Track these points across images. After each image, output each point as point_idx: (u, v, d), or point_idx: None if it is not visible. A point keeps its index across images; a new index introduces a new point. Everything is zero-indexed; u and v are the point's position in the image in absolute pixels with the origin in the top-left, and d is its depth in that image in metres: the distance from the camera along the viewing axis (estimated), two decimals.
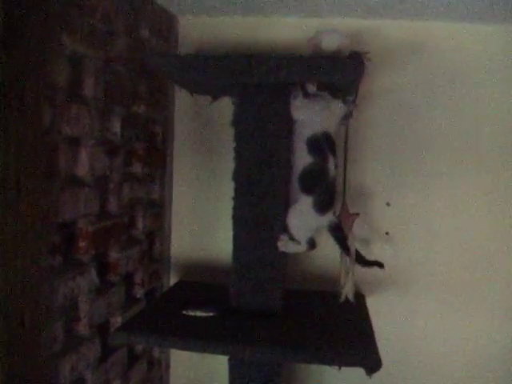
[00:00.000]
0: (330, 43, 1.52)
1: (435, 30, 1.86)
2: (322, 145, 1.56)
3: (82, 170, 1.39)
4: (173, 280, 2.06)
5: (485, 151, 1.89)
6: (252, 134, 1.54)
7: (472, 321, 1.94)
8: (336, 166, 1.60)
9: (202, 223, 2.04)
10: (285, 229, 1.58)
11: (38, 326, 1.16)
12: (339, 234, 1.63)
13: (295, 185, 1.59)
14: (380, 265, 1.68)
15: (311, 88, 1.52)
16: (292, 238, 1.59)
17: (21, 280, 1.09)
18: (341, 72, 1.41)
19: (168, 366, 2.11)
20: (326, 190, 1.58)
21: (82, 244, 1.40)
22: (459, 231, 1.93)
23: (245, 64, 1.43)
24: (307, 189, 1.57)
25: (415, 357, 1.98)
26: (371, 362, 1.35)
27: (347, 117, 1.66)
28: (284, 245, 1.57)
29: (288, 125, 1.56)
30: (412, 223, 1.94)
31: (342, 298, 1.69)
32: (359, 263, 1.66)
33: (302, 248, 1.60)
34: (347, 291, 1.68)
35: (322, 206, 1.58)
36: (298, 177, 1.58)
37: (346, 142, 1.72)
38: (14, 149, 1.06)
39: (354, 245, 1.65)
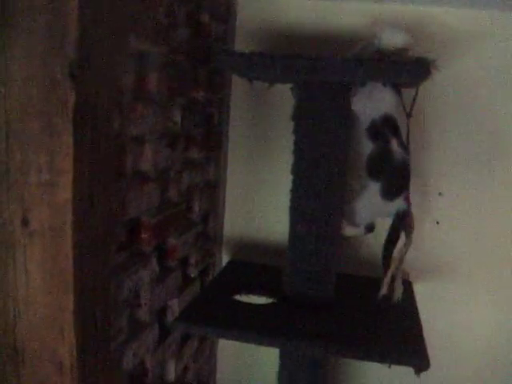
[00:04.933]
0: (392, 41, 1.51)
1: (500, 20, 1.81)
2: (381, 129, 1.56)
3: (146, 165, 1.42)
4: (225, 258, 2.12)
5: None
6: (312, 129, 1.56)
7: None
8: (404, 147, 1.58)
9: (254, 204, 2.08)
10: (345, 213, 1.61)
11: (108, 320, 1.23)
12: (405, 223, 1.61)
13: (363, 173, 1.59)
14: None
15: None
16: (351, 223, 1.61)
17: (92, 280, 1.15)
18: (406, 77, 1.40)
19: (217, 341, 2.19)
20: (392, 175, 1.57)
21: (144, 236, 1.44)
22: (507, 224, 1.93)
23: (310, 65, 1.43)
24: (373, 175, 1.58)
25: (458, 345, 2.02)
26: (421, 362, 1.38)
27: (407, 117, 1.65)
28: (347, 229, 1.60)
29: (348, 120, 1.57)
30: (462, 214, 1.95)
31: (395, 299, 1.71)
32: None
33: (359, 232, 1.62)
34: (398, 292, 1.71)
35: (390, 192, 1.58)
36: (364, 165, 1.59)
37: (407, 142, 1.67)
38: (88, 157, 1.09)
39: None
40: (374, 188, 1.58)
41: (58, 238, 1.04)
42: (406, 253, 1.65)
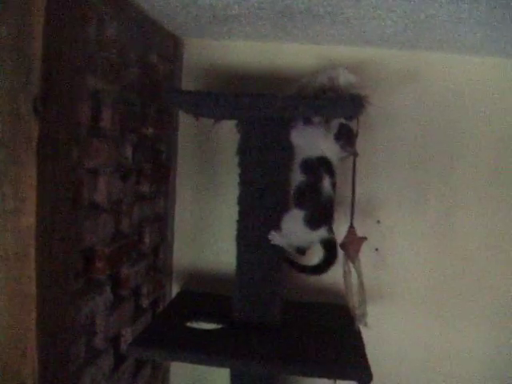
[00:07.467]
0: (346, 81, 1.65)
1: (430, 61, 2.00)
2: (314, 165, 1.68)
3: (101, 196, 1.50)
4: (175, 289, 2.18)
5: (471, 173, 2.04)
6: (256, 161, 1.66)
7: (456, 333, 2.11)
8: (333, 186, 1.69)
9: (202, 235, 2.16)
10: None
11: (67, 345, 1.28)
12: (331, 249, 1.72)
13: (291, 199, 1.70)
14: (317, 270, 1.75)
15: (315, 119, 1.65)
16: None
17: (53, 307, 1.20)
18: (342, 111, 1.54)
19: (169, 368, 2.23)
20: (317, 207, 1.68)
21: (99, 265, 1.51)
22: (442, 249, 2.08)
23: (253, 103, 1.55)
24: (299, 203, 1.68)
25: (401, 366, 2.14)
26: (364, 376, 1.48)
27: (354, 156, 1.73)
28: (275, 238, 1.67)
29: (290, 152, 1.68)
30: (399, 240, 2.08)
31: (361, 323, 1.76)
32: (297, 270, 1.77)
33: (290, 249, 1.70)
34: (362, 316, 1.76)
35: (313, 222, 1.68)
36: (292, 192, 1.70)
37: (353, 175, 1.73)
38: (49, 187, 1.16)
39: (361, 266, 1.74)
40: (297, 214, 1.68)
41: (22, 262, 1.09)
42: (361, 279, 1.75)
